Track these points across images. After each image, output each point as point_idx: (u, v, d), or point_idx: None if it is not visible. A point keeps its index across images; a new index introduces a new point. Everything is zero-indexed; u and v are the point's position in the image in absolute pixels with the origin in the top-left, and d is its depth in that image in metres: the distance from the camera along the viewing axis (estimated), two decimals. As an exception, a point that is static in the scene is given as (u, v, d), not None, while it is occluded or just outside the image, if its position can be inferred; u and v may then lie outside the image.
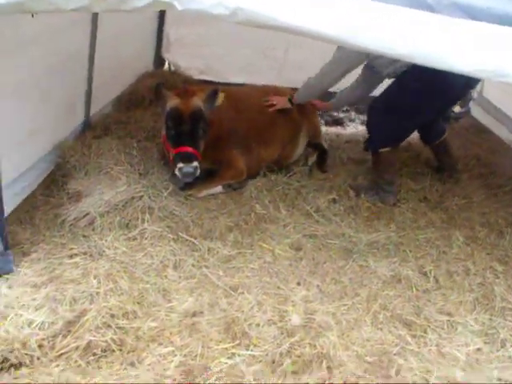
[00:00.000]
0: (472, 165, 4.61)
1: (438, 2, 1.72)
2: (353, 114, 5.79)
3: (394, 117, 3.64)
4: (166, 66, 6.40)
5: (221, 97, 3.59)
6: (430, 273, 3.02)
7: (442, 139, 4.31)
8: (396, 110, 3.64)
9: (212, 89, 3.61)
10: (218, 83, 5.43)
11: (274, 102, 4.23)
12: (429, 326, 2.60)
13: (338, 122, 5.66)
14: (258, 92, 4.44)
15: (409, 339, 2.50)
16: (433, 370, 2.31)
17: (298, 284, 2.86)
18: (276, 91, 4.49)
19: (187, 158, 3.38)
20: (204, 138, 3.54)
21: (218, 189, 3.79)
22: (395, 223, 3.58)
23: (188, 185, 3.65)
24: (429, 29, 1.72)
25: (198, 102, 3.50)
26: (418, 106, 3.60)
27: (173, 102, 3.47)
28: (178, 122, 3.42)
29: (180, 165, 3.37)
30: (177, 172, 3.42)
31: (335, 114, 5.76)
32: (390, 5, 1.70)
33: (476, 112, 6.04)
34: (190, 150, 3.40)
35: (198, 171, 3.43)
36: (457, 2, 1.72)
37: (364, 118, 5.63)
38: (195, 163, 3.39)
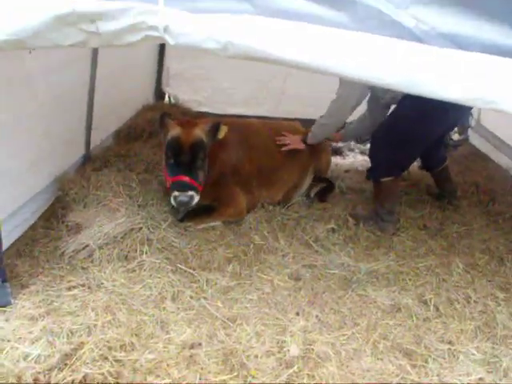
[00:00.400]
0: (471, 192, 4.62)
1: (426, 32, 1.76)
2: (352, 144, 5.80)
3: (394, 145, 3.65)
4: (167, 98, 6.49)
5: (223, 130, 3.57)
6: (430, 301, 3.00)
7: (443, 166, 4.34)
8: (396, 139, 3.64)
9: (214, 121, 3.61)
10: (219, 115, 5.51)
11: (288, 142, 4.20)
12: (429, 356, 2.57)
13: (337, 152, 5.66)
14: (268, 129, 4.34)
15: (409, 369, 2.47)
16: (434, 400, 2.29)
17: (297, 314, 2.83)
18: (281, 127, 4.44)
19: (183, 187, 3.37)
20: (203, 169, 3.53)
21: (217, 222, 3.76)
22: (395, 252, 3.57)
23: (187, 217, 3.66)
24: (416, 58, 1.75)
25: (199, 133, 3.49)
26: (416, 133, 3.63)
27: (174, 131, 3.46)
28: (178, 152, 3.42)
29: (175, 193, 3.37)
30: (172, 200, 3.42)
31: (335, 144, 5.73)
32: (378, 36, 1.74)
33: (475, 140, 6.09)
34: (186, 179, 3.38)
35: (195, 201, 3.41)
36: (444, 33, 1.76)
37: (363, 147, 5.68)
38: (191, 192, 3.37)
